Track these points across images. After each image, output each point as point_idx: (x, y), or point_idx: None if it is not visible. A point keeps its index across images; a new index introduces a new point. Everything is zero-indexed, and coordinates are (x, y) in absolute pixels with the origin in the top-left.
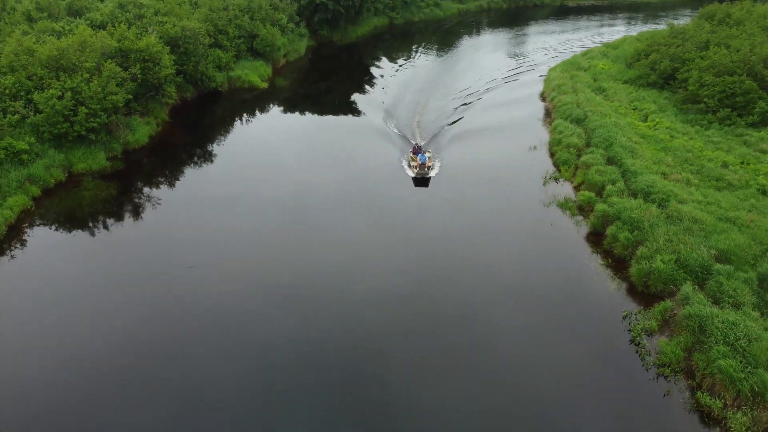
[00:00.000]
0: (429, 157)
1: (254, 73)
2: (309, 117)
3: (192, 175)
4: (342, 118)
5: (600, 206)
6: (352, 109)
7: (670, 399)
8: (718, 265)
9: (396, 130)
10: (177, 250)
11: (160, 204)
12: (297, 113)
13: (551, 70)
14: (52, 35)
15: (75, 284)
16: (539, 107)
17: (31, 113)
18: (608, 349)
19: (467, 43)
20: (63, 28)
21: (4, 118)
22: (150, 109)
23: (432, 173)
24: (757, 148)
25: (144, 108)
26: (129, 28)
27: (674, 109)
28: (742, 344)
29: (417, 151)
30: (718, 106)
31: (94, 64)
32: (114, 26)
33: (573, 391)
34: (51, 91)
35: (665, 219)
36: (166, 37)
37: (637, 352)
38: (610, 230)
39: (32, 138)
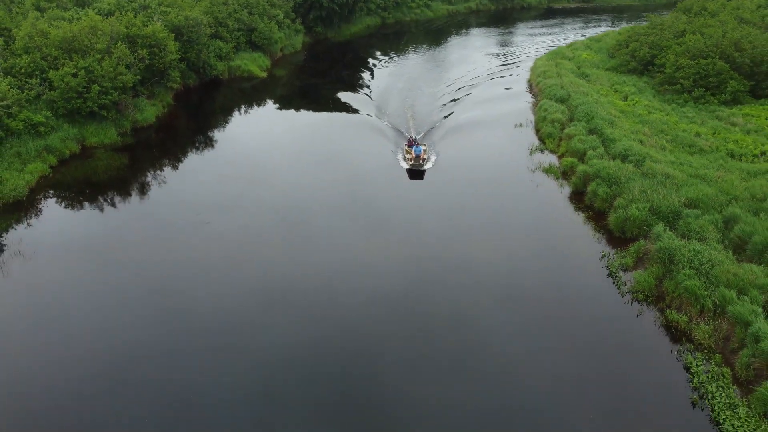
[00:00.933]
0: (424, 150)
1: (253, 64)
2: (305, 106)
3: (193, 155)
4: (336, 109)
5: (581, 168)
6: (347, 101)
7: (642, 318)
8: (687, 210)
9: (389, 123)
10: (174, 233)
11: (165, 182)
12: (293, 102)
13: (537, 59)
14: (63, 21)
15: (80, 251)
16: (527, 99)
17: (47, 90)
18: (586, 282)
19: (456, 41)
20: (72, 16)
21: (22, 93)
22: (156, 93)
23: (427, 165)
24: (728, 121)
25: (150, 92)
26: (135, 16)
27: (652, 90)
28: (706, 268)
29: (412, 143)
30: (693, 86)
31: (105, 46)
32: (121, 14)
33: (552, 318)
34: (66, 68)
35: (640, 175)
36: (171, 26)
37: (613, 283)
38: (590, 187)
39: (48, 112)
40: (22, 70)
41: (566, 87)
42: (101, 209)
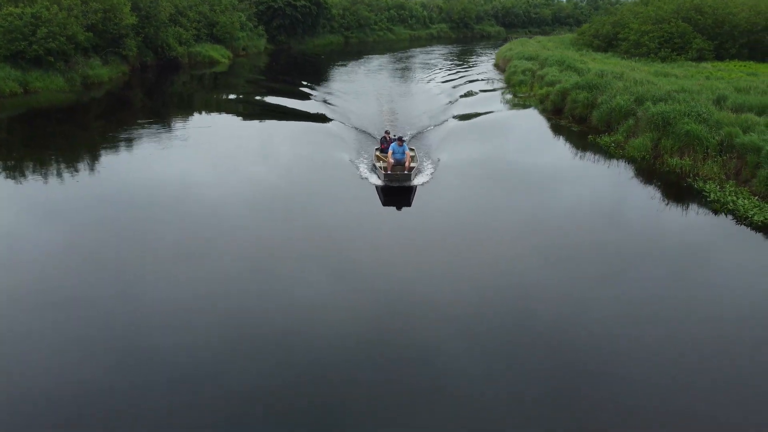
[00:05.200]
0: (413, 156)
1: (215, 52)
2: (263, 106)
3: (144, 131)
4: (299, 114)
5: (558, 86)
6: (309, 103)
7: (642, 174)
8: (675, 94)
9: (356, 126)
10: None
11: (113, 148)
12: (251, 99)
13: (500, 48)
14: None
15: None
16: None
17: None
18: (579, 156)
19: (421, 58)
20: None
21: None
22: (110, 61)
23: (418, 180)
24: (698, 68)
25: (104, 60)
26: None
27: (618, 57)
28: (705, 116)
29: (388, 142)
30: (659, 48)
31: None
32: None
33: (554, 186)
34: (11, 8)
35: (622, 81)
36: None
37: (605, 153)
38: (569, 97)
39: None
40: None
41: (534, 51)
42: (39, 145)
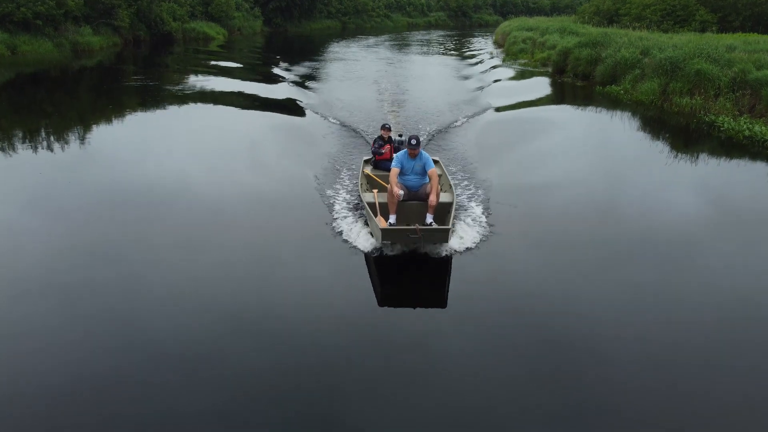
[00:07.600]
0: (441, 176)
1: (210, 29)
2: (256, 89)
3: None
4: (293, 108)
5: (559, 46)
6: (303, 94)
7: (650, 116)
8: (682, 44)
9: (360, 130)
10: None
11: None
12: (245, 79)
13: (500, 26)
14: None
15: None
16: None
17: None
18: (582, 105)
19: (420, 42)
20: None
21: None
22: (102, 32)
23: (457, 239)
24: (701, 37)
25: (96, 30)
26: None
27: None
28: (716, 56)
29: (387, 150)
30: (661, 20)
31: None
32: None
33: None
34: None
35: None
36: None
37: (613, 99)
38: (572, 55)
39: None
40: None
41: (534, 24)
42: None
